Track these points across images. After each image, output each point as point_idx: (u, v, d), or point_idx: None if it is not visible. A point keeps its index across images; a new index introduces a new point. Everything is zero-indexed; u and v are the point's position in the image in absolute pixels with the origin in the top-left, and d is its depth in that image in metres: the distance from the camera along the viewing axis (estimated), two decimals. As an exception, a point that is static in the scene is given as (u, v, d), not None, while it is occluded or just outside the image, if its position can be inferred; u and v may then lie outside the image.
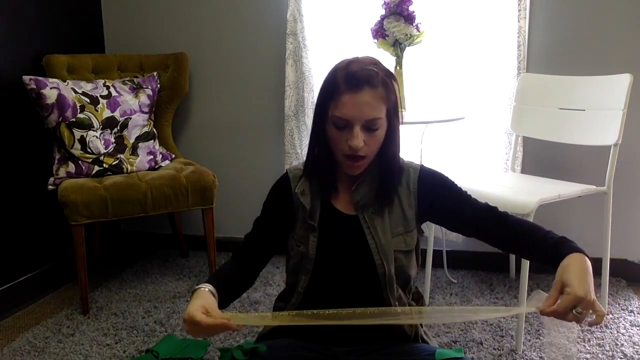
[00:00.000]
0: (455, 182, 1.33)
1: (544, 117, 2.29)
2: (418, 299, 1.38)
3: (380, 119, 1.19)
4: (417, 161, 2.46)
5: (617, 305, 2.24)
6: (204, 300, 1.09)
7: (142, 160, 2.45)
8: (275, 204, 1.34)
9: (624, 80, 2.03)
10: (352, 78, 1.17)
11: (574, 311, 1.03)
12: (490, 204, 1.29)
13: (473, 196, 1.33)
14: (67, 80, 2.37)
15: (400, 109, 1.26)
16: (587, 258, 1.09)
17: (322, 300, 1.29)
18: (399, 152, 1.30)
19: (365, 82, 1.17)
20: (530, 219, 1.84)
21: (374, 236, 1.25)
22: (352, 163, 1.21)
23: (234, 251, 1.35)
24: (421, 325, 1.35)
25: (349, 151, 1.19)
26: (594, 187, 2.07)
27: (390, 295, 1.26)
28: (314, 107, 1.31)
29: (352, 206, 1.28)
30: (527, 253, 1.26)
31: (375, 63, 1.22)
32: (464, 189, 1.32)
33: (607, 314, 2.16)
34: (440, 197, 1.29)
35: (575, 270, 1.06)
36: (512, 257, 2.53)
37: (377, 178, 1.27)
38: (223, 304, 1.19)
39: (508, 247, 1.29)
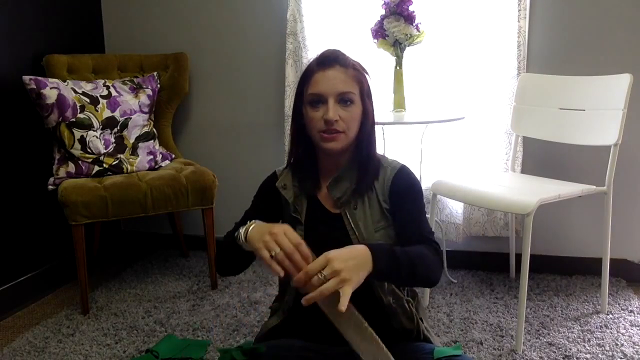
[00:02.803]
0: (422, 200, 1.32)
1: (544, 117, 2.29)
2: (414, 297, 1.38)
3: (353, 93, 1.25)
4: (417, 161, 2.47)
5: (617, 305, 2.24)
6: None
7: (142, 160, 2.45)
8: (264, 199, 1.38)
9: (624, 80, 2.03)
10: (323, 58, 1.27)
11: (319, 274, 0.99)
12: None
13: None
14: (67, 80, 2.37)
15: (372, 100, 1.31)
16: (370, 252, 1.06)
17: None
18: (374, 144, 1.33)
19: (334, 60, 1.26)
20: (531, 219, 1.85)
21: (357, 232, 1.27)
22: (328, 136, 1.23)
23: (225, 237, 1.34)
24: (422, 320, 1.35)
25: (324, 126, 1.23)
26: (594, 187, 2.07)
27: (380, 289, 1.27)
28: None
29: (333, 203, 1.30)
30: None
31: (346, 55, 1.30)
32: (425, 211, 1.32)
33: (607, 314, 2.17)
34: (400, 203, 1.29)
35: (343, 250, 1.04)
36: (512, 257, 2.53)
37: (355, 174, 1.30)
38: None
39: None
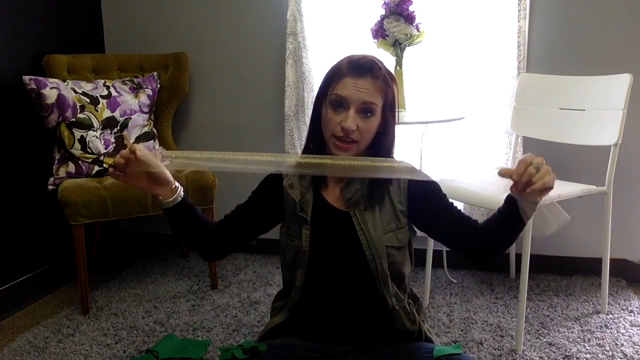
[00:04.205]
0: (443, 191, 1.34)
1: (544, 117, 2.29)
2: (415, 301, 1.38)
3: (375, 105, 1.24)
4: (416, 161, 2.47)
5: (617, 305, 2.24)
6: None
7: (142, 160, 2.45)
8: (265, 194, 1.37)
9: (624, 80, 2.03)
10: (357, 65, 1.25)
11: (532, 163, 1.07)
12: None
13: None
14: (67, 80, 2.37)
15: (397, 110, 1.31)
16: None
17: (320, 294, 1.30)
18: (392, 152, 1.33)
19: (368, 70, 1.24)
20: (530, 219, 1.84)
21: (365, 232, 1.26)
22: (340, 144, 1.24)
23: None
24: (424, 321, 1.35)
25: (341, 132, 1.23)
26: (594, 187, 2.07)
27: (385, 290, 1.27)
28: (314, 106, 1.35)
29: (343, 203, 1.30)
30: (494, 235, 1.28)
31: (381, 62, 1.29)
32: (451, 200, 1.34)
33: (607, 314, 2.17)
34: (426, 201, 1.31)
35: None
36: (512, 257, 2.53)
37: (368, 177, 1.29)
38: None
39: (480, 253, 1.30)
